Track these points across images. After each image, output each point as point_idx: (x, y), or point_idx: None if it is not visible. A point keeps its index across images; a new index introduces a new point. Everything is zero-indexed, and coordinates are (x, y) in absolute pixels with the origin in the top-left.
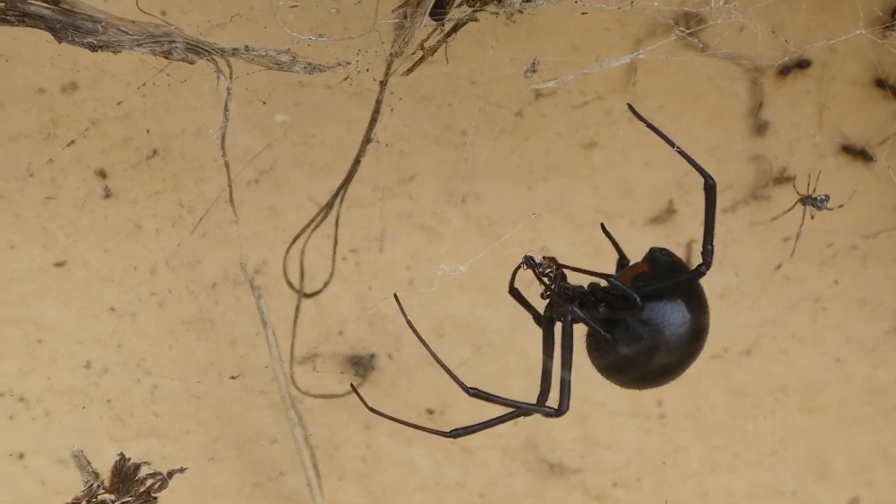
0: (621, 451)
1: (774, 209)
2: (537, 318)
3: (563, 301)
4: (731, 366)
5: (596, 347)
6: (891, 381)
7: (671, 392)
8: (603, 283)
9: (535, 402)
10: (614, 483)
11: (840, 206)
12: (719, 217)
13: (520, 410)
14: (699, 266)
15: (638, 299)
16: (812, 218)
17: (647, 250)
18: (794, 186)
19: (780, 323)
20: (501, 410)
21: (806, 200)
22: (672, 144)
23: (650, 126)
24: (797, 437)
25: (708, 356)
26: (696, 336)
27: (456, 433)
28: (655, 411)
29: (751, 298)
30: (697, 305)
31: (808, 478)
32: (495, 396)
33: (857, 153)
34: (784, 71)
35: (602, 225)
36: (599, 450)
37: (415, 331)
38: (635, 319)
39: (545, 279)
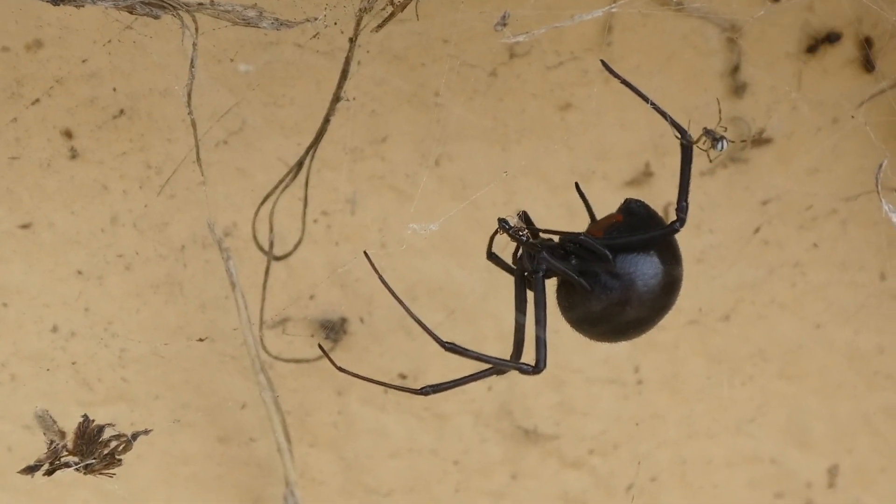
0: (598, 418)
1: (753, 172)
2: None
3: (534, 252)
4: (709, 331)
5: (568, 299)
6: (871, 347)
7: (648, 358)
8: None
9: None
10: (591, 450)
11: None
12: (696, 180)
13: (496, 367)
14: (672, 223)
15: (610, 256)
16: (708, 154)
17: (623, 201)
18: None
19: (758, 287)
20: (475, 368)
21: (708, 133)
22: (647, 100)
23: (625, 83)
24: (776, 403)
25: (685, 321)
26: (668, 289)
27: (426, 390)
28: (632, 378)
29: (729, 262)
30: (670, 259)
31: (787, 444)
32: (471, 351)
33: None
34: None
35: (577, 184)
36: (575, 416)
37: (387, 286)
38: (607, 272)
39: (518, 237)
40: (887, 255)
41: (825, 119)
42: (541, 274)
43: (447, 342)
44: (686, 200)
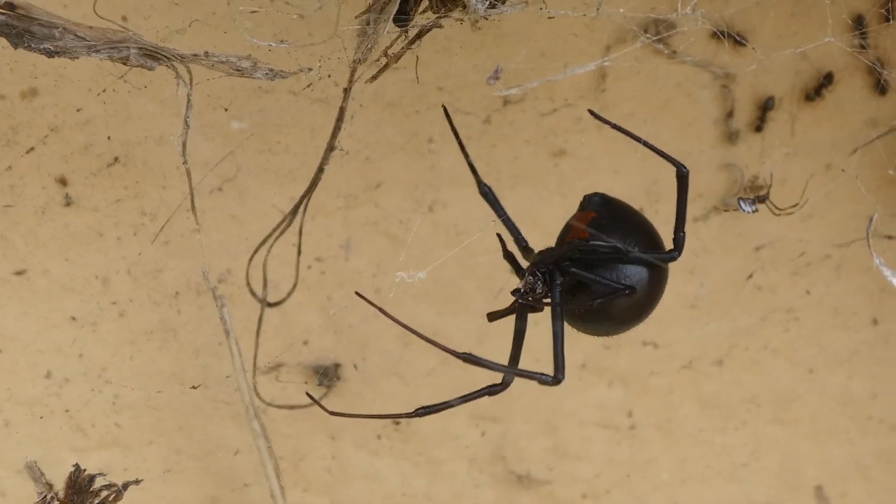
0: (591, 463)
1: (746, 219)
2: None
3: (551, 294)
4: (703, 376)
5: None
6: (864, 392)
7: (641, 403)
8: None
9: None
10: (583, 495)
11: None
12: (690, 225)
13: (507, 378)
14: (670, 251)
15: (622, 247)
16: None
17: (582, 198)
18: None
19: (752, 333)
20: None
21: (741, 200)
22: (639, 140)
23: (614, 126)
24: (769, 448)
25: (679, 366)
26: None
27: (419, 412)
28: (626, 422)
29: (722, 308)
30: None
31: (780, 490)
32: (489, 361)
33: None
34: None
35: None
36: (568, 461)
37: (388, 314)
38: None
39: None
40: (879, 300)
41: (818, 165)
42: (557, 302)
43: (463, 353)
44: (683, 230)
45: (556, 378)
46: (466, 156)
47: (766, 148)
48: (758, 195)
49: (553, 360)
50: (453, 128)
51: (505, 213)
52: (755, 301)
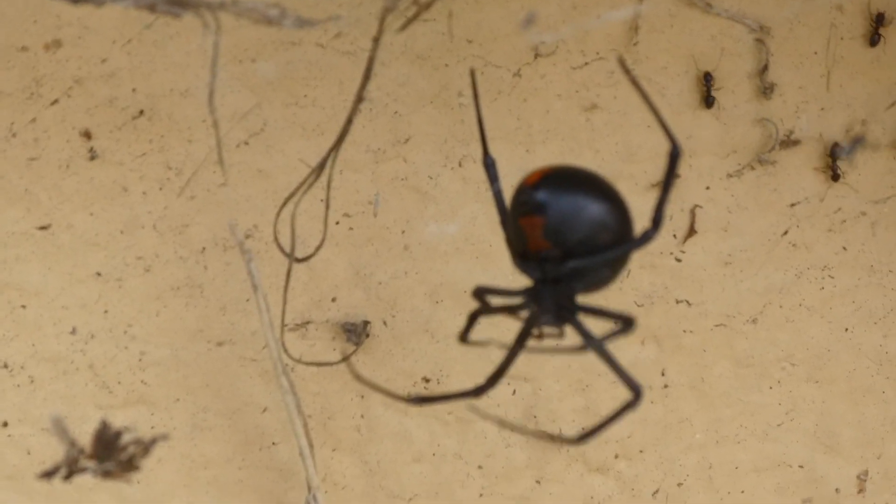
0: (623, 423)
1: (781, 174)
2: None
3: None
4: (737, 335)
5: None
6: None
7: (675, 362)
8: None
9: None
10: (616, 455)
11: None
12: (724, 182)
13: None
14: (647, 231)
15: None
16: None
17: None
18: None
19: (786, 291)
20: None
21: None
22: (649, 104)
23: (633, 81)
24: (804, 408)
25: (712, 325)
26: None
27: (414, 400)
28: (659, 381)
29: (756, 265)
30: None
31: (816, 450)
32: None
33: None
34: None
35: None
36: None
37: None
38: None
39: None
40: None
41: (854, 120)
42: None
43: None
44: (663, 210)
45: (639, 396)
46: (481, 124)
47: (800, 102)
48: (855, 137)
49: (622, 381)
50: (476, 95)
51: (499, 189)
52: (790, 258)
